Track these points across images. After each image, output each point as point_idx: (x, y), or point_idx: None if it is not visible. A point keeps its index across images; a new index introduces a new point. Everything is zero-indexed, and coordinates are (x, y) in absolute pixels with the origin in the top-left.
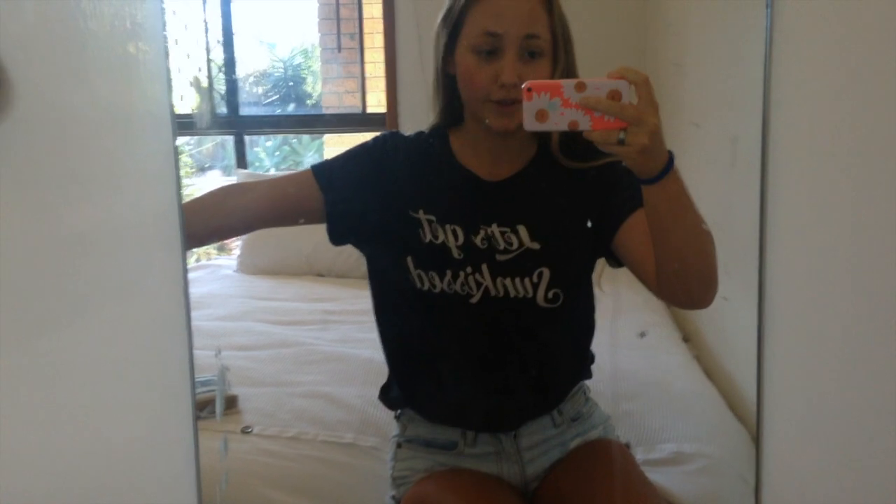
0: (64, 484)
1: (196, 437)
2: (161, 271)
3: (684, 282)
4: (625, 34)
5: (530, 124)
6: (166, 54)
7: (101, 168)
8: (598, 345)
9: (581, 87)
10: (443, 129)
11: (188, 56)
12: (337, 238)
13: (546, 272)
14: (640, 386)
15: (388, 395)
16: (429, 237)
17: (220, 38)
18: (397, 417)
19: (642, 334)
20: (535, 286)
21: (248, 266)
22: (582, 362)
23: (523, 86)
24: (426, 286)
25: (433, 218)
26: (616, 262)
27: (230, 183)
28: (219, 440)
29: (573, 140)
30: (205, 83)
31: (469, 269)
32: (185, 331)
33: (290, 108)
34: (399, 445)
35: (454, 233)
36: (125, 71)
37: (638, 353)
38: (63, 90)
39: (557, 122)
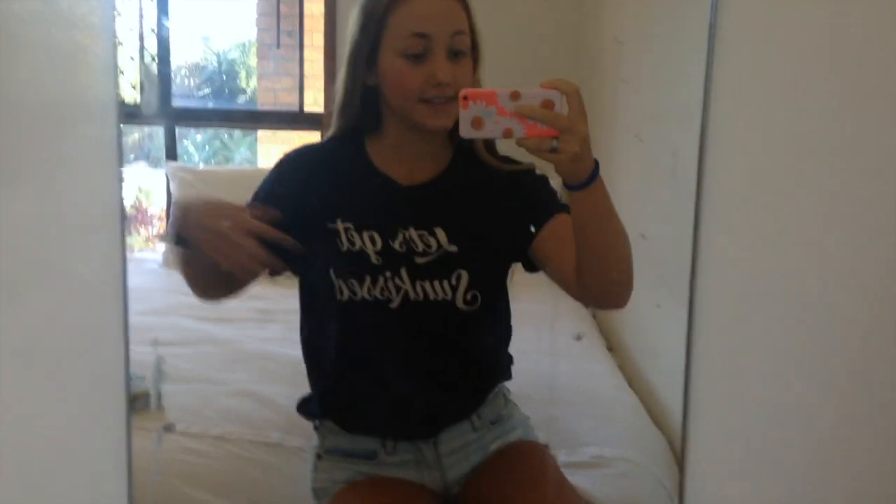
0: None
1: (130, 430)
2: (100, 260)
3: (604, 283)
4: (569, 49)
5: (466, 131)
6: (114, 41)
7: (41, 154)
8: (527, 351)
9: (516, 96)
10: (358, 135)
11: (120, 44)
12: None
13: (464, 274)
14: (565, 392)
15: (308, 408)
16: (346, 245)
17: (155, 28)
18: (316, 428)
19: (578, 337)
20: (454, 288)
21: (174, 261)
22: (500, 365)
23: (460, 94)
24: (346, 296)
25: (350, 226)
26: (532, 267)
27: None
28: (144, 438)
29: (490, 148)
30: (146, 72)
31: (388, 274)
32: (121, 322)
33: (224, 103)
34: (319, 457)
35: (371, 238)
36: (70, 56)
37: (564, 361)
38: (9, 73)
39: (492, 130)
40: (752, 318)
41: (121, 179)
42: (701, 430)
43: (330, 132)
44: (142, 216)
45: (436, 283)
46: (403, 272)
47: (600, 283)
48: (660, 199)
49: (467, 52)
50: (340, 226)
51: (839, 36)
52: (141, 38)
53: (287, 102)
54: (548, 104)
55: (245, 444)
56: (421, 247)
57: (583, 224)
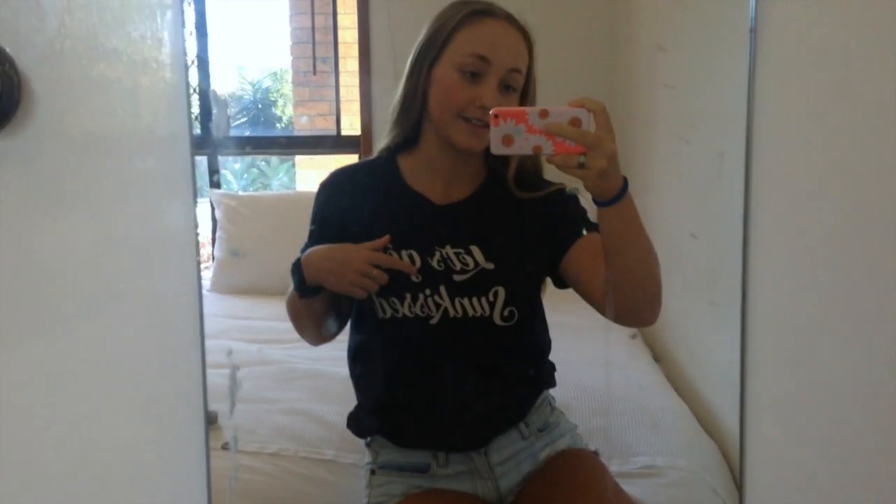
0: (73, 490)
1: (208, 449)
2: (177, 285)
3: (634, 300)
4: (607, 57)
5: (497, 148)
6: (186, 76)
7: (117, 182)
8: (574, 362)
9: (544, 114)
10: (392, 154)
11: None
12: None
13: (501, 291)
14: (614, 401)
15: (358, 424)
16: None
17: (195, 60)
18: (368, 444)
19: (634, 335)
20: (492, 305)
21: (222, 286)
22: (542, 373)
23: (491, 112)
24: (388, 313)
25: (389, 245)
26: (562, 283)
27: None
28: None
29: (522, 173)
30: (215, 99)
31: (428, 291)
32: (198, 344)
33: (261, 131)
34: (373, 472)
35: (410, 257)
36: (144, 88)
37: (612, 370)
38: (82, 105)
39: (522, 146)
40: (805, 316)
41: (194, 207)
42: (758, 434)
43: (382, 144)
44: None
45: (474, 299)
46: (442, 289)
47: (628, 299)
48: (708, 199)
49: (518, 89)
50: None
51: (881, 34)
52: (186, 70)
53: (323, 127)
54: (575, 122)
55: (300, 460)
56: (458, 265)
57: (612, 240)
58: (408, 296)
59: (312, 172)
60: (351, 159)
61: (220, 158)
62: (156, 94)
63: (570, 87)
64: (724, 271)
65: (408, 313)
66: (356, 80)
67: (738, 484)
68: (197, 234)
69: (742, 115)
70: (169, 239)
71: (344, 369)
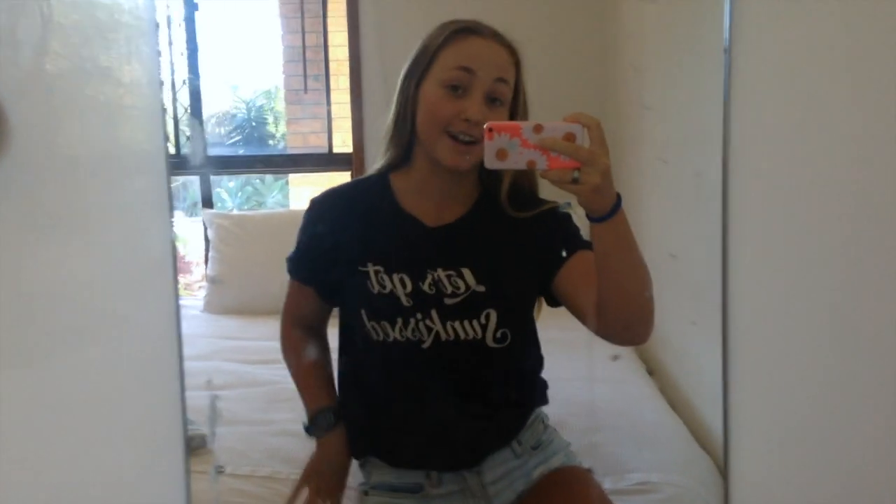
0: None
1: (188, 472)
2: (154, 306)
3: (626, 318)
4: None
5: (491, 162)
6: (160, 97)
7: (96, 205)
8: (565, 378)
9: (539, 129)
10: (385, 173)
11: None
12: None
13: (493, 313)
14: (607, 417)
15: (350, 446)
16: (377, 288)
17: (186, 79)
18: (361, 466)
19: (615, 357)
20: (484, 327)
21: (215, 306)
22: (534, 391)
23: (485, 126)
24: (380, 336)
25: (381, 268)
26: (554, 302)
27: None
28: (196, 479)
29: (517, 191)
30: (191, 123)
31: (419, 316)
32: (176, 367)
33: (254, 149)
34: (365, 493)
35: (402, 281)
36: (120, 111)
37: (603, 386)
38: (60, 130)
39: (516, 161)
40: (787, 331)
41: (172, 227)
42: (743, 447)
43: (377, 164)
44: (180, 264)
45: (465, 322)
46: (434, 313)
47: (620, 317)
48: (687, 219)
49: (505, 102)
50: (371, 268)
51: (852, 54)
52: (173, 90)
53: (316, 145)
54: (570, 137)
55: (292, 483)
56: (450, 288)
57: (604, 256)
58: (398, 320)
59: (306, 190)
60: (343, 177)
61: (214, 177)
62: (133, 116)
63: (559, 107)
64: (705, 288)
65: (398, 337)
66: (348, 98)
67: (725, 494)
68: (175, 257)
69: (718, 135)
70: (148, 260)
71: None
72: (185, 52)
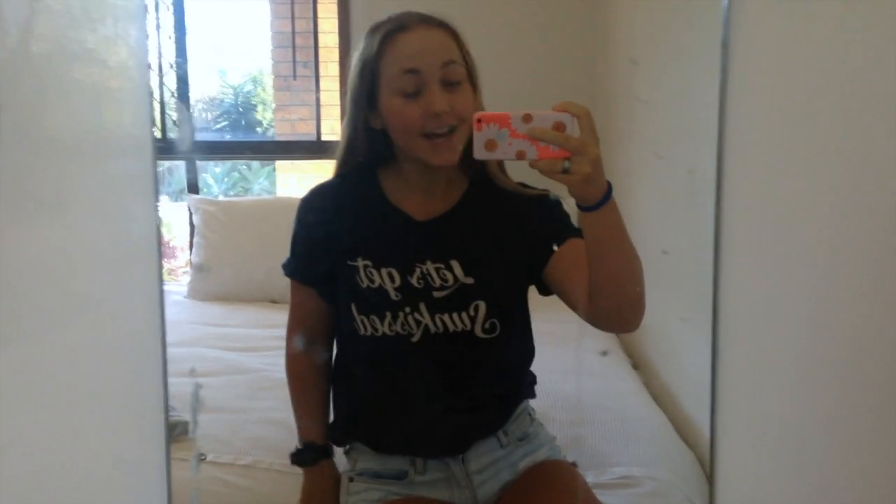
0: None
1: (169, 460)
2: (138, 292)
3: (616, 305)
4: (584, 70)
5: (480, 153)
6: (147, 79)
7: (80, 188)
8: (552, 371)
9: (528, 118)
10: (372, 167)
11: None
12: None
13: (482, 305)
14: (592, 410)
15: (336, 433)
16: (366, 282)
17: (173, 64)
18: (346, 452)
19: (605, 353)
20: (473, 319)
21: (199, 292)
22: (522, 383)
23: (474, 117)
24: (369, 331)
25: (369, 263)
26: (545, 290)
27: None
28: (178, 467)
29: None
30: (179, 109)
31: (408, 309)
32: (159, 354)
33: (241, 135)
34: (351, 480)
35: (390, 275)
36: (107, 94)
37: (589, 379)
38: (45, 112)
39: (506, 152)
40: (776, 329)
41: (157, 211)
42: (729, 443)
43: (336, 171)
44: (165, 249)
45: (454, 315)
46: (422, 307)
47: (612, 305)
48: (679, 215)
49: (463, 80)
50: (360, 263)
51: (851, 49)
52: (160, 75)
53: (304, 132)
54: (559, 126)
55: (275, 473)
56: (438, 281)
57: (596, 245)
58: (387, 314)
59: (293, 177)
60: (330, 165)
61: (201, 163)
62: (119, 99)
63: (551, 99)
64: (696, 285)
65: (387, 331)
66: (337, 85)
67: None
68: (160, 241)
69: (713, 130)
70: (132, 245)
71: None
72: (173, 36)
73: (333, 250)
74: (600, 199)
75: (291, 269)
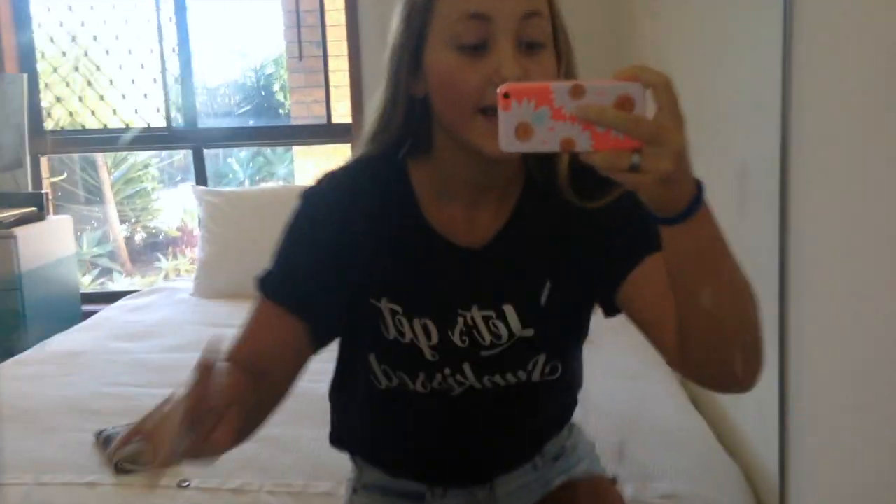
0: None
1: None
2: None
3: (717, 356)
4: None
5: (508, 143)
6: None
7: None
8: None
9: (578, 91)
10: (401, 160)
11: (142, 66)
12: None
13: (541, 357)
14: (630, 419)
15: (342, 443)
16: (393, 333)
17: (176, 48)
18: (353, 458)
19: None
20: (530, 373)
21: (205, 289)
22: (568, 412)
23: (499, 90)
24: (394, 383)
25: (398, 309)
26: (614, 310)
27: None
28: (156, 497)
29: (581, 171)
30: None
31: (447, 371)
32: None
33: (262, 120)
34: (355, 490)
35: (425, 329)
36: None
37: (627, 385)
38: None
39: (545, 141)
40: (852, 329)
41: None
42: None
43: (359, 155)
44: (187, 237)
45: (508, 374)
46: (466, 368)
47: (709, 357)
48: (735, 212)
49: (547, 42)
50: (385, 306)
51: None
52: (162, 60)
53: (319, 115)
54: (625, 102)
55: (264, 495)
56: (488, 337)
57: (681, 271)
58: (420, 374)
59: (309, 161)
60: (343, 148)
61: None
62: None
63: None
64: (757, 285)
65: (420, 389)
66: (346, 65)
67: None
68: None
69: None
70: None
71: (322, 386)
72: (174, 18)
73: (345, 281)
74: (686, 208)
75: (273, 284)
